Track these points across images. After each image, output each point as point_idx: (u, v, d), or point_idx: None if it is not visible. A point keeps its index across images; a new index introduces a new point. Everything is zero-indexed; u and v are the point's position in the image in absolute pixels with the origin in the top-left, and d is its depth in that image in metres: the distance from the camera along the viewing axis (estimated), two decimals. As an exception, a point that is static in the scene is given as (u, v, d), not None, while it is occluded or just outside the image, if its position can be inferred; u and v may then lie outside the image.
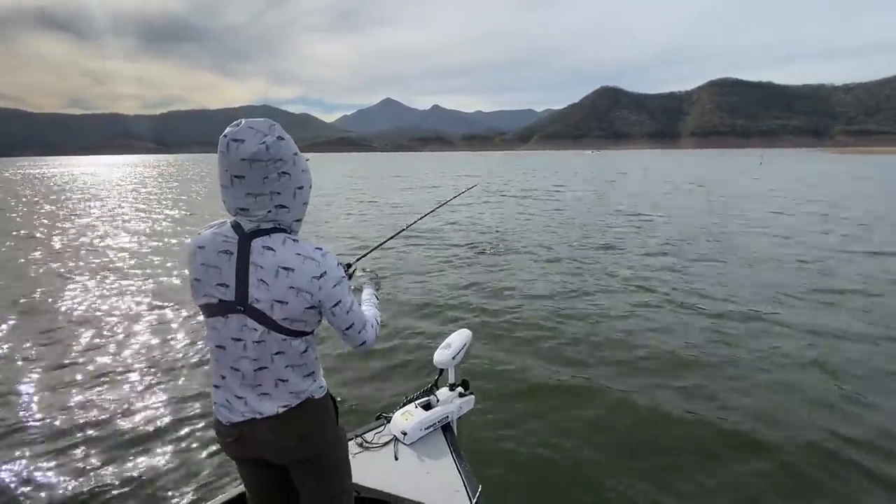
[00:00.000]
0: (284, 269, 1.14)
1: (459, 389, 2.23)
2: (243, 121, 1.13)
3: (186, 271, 1.22)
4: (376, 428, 2.17)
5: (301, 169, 1.19)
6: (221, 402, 1.25)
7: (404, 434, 2.02)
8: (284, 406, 1.24)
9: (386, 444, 2.05)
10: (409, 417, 2.08)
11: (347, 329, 1.29)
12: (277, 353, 1.20)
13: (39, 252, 9.70)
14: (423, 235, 10.89)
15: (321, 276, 1.16)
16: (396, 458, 1.93)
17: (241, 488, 1.71)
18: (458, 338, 2.21)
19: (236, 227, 1.18)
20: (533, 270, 7.72)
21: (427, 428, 2.05)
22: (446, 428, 2.12)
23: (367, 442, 2.06)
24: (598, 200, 18.82)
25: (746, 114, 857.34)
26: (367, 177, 40.54)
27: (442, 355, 2.14)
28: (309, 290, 1.16)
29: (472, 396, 2.26)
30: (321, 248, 1.19)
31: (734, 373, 4.12)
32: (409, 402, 2.22)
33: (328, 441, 1.34)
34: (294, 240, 1.18)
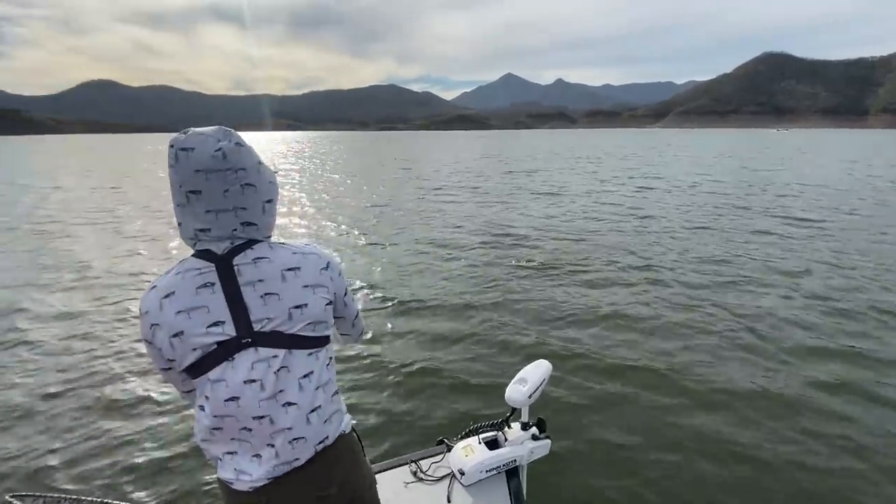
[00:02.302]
0: (289, 270, 1.03)
1: (534, 430, 1.88)
2: (191, 129, 0.98)
3: (144, 344, 1.02)
4: (434, 456, 1.94)
5: (268, 180, 1.05)
6: (241, 470, 1.03)
7: (462, 473, 1.77)
8: (321, 443, 1.08)
9: (441, 478, 1.82)
10: (470, 454, 1.81)
11: (356, 318, 1.25)
12: (305, 377, 1.04)
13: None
14: (490, 234, 8.99)
15: (327, 267, 1.09)
16: (449, 501, 1.72)
17: None
18: (536, 371, 1.83)
19: (204, 254, 1.00)
20: (641, 291, 5.88)
21: (490, 470, 1.78)
22: (512, 473, 1.83)
23: (421, 471, 1.85)
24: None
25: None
26: (463, 158, 36.37)
27: (515, 392, 1.76)
28: (323, 283, 1.07)
29: (549, 441, 1.89)
30: (307, 244, 1.11)
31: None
32: (474, 432, 1.94)
33: (366, 481, 1.21)
34: (280, 243, 1.07)
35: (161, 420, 3.29)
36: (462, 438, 1.94)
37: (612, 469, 2.80)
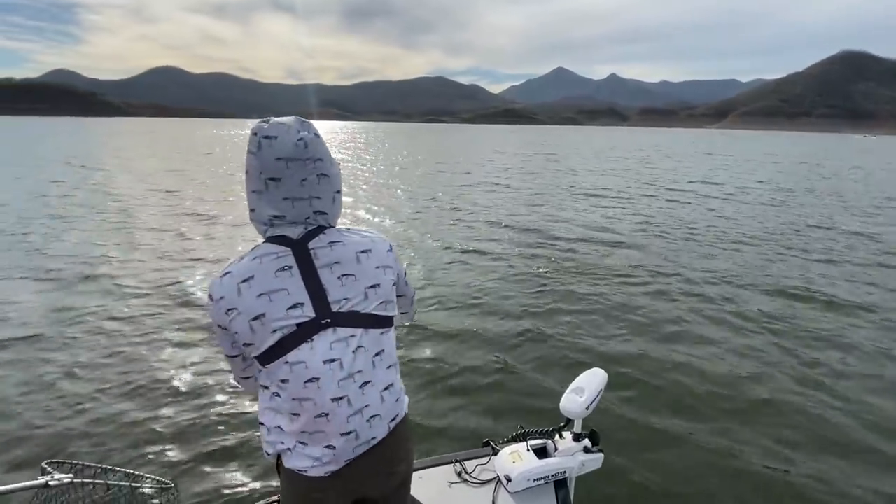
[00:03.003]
0: (363, 252, 1.07)
1: (586, 443, 1.82)
2: (272, 118, 1.01)
3: (217, 330, 1.04)
4: (480, 458, 1.91)
5: (337, 171, 1.09)
6: (316, 456, 1.04)
7: (508, 479, 1.74)
8: (393, 420, 1.11)
9: (486, 482, 1.80)
10: (517, 460, 1.78)
11: (413, 296, 1.31)
12: (377, 355, 1.07)
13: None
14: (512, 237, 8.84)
15: (391, 249, 1.15)
16: None
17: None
18: (593, 380, 1.77)
19: (279, 239, 1.03)
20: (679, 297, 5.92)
21: (537, 480, 1.74)
22: (560, 484, 1.79)
23: (466, 472, 1.83)
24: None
25: None
26: (503, 153, 35.47)
27: (572, 402, 1.71)
28: (390, 263, 1.12)
29: (601, 455, 1.83)
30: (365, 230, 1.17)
31: None
32: (522, 437, 1.90)
33: (413, 463, 1.24)
34: (346, 228, 1.11)
35: (190, 403, 3.38)
36: (509, 443, 1.92)
37: (668, 494, 2.66)
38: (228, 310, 0.99)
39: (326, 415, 1.02)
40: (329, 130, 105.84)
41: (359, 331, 1.04)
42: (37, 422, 3.14)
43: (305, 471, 1.05)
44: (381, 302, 1.08)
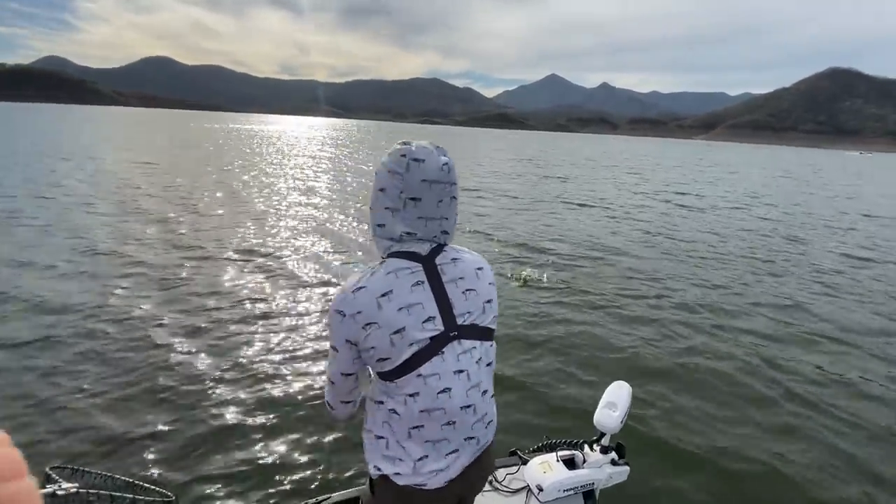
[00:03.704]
0: (479, 269, 1.14)
1: (613, 455, 1.87)
2: (413, 141, 1.06)
3: (345, 346, 1.05)
4: (509, 467, 1.94)
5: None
6: (434, 469, 1.07)
7: (539, 489, 1.79)
8: (495, 424, 1.18)
9: (517, 491, 1.84)
10: (547, 470, 1.82)
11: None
12: (488, 365, 1.14)
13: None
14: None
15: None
16: None
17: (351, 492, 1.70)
18: (623, 394, 1.83)
19: (409, 255, 1.07)
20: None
21: (567, 490, 1.79)
22: (588, 496, 1.85)
23: (496, 480, 1.87)
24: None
25: None
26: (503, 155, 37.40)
27: (606, 417, 1.77)
28: (493, 281, 1.18)
29: (628, 468, 1.89)
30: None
31: None
32: (549, 448, 1.97)
33: None
34: (455, 246, 1.16)
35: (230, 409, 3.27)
36: (537, 453, 1.96)
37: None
38: (367, 324, 1.00)
39: (454, 423, 1.06)
40: (323, 127, 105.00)
41: (478, 343, 1.09)
42: (36, 421, 3.06)
43: (424, 485, 1.07)
44: (494, 316, 1.14)
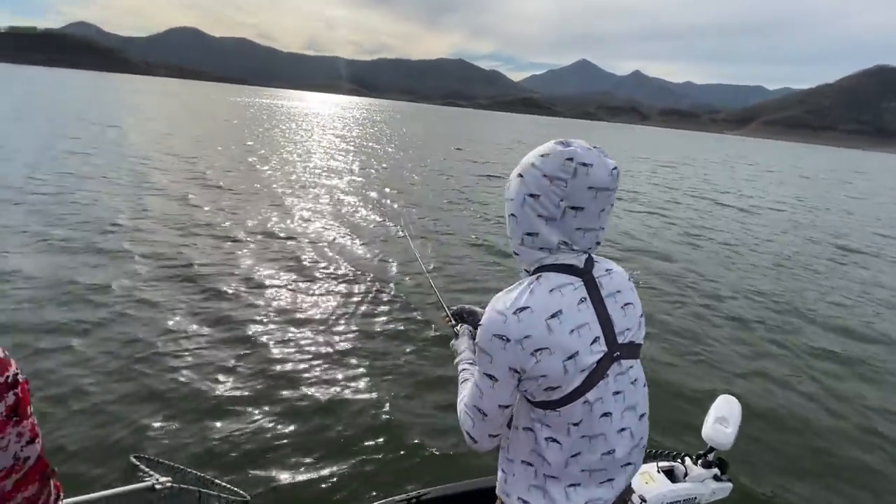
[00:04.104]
0: (630, 279, 1.05)
1: (716, 471, 1.80)
2: (572, 141, 0.95)
3: (507, 374, 0.92)
4: None
5: None
6: (593, 498, 0.99)
7: (643, 500, 1.73)
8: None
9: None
10: (649, 481, 1.77)
11: None
12: (644, 385, 1.04)
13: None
14: None
15: None
16: None
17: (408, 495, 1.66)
18: (734, 409, 1.77)
19: (565, 268, 0.96)
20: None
21: (669, 502, 1.74)
22: None
23: None
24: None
25: None
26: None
27: (720, 433, 1.71)
28: None
29: (731, 484, 1.83)
30: None
31: None
32: (650, 458, 1.89)
33: None
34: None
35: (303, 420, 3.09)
36: None
37: None
38: (537, 350, 0.89)
39: (613, 451, 0.98)
40: (349, 106, 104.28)
41: (634, 362, 1.00)
42: (106, 409, 2.97)
43: None
44: (644, 331, 1.04)
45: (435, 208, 9.84)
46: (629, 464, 1.01)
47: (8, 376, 0.54)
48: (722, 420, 1.74)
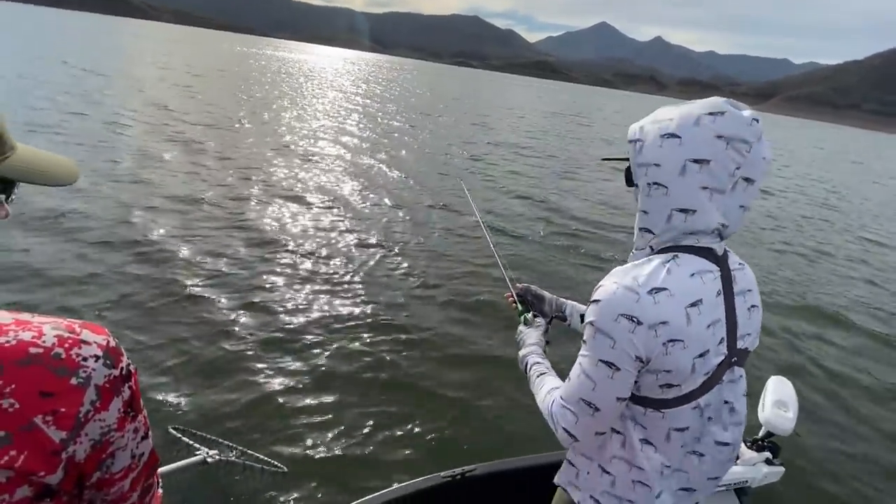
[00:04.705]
0: (754, 280, 0.92)
1: (768, 454, 1.79)
2: (746, 107, 0.79)
3: (629, 362, 0.79)
4: None
5: None
6: None
7: None
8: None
9: None
10: None
11: None
12: (744, 395, 0.91)
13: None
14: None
15: None
16: None
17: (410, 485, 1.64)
18: (791, 393, 1.72)
19: (703, 252, 0.82)
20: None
21: (721, 486, 1.73)
22: (741, 492, 1.80)
23: None
24: None
25: None
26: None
27: (779, 418, 1.65)
28: None
29: (782, 469, 1.82)
30: None
31: None
32: None
33: None
34: None
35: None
36: None
37: None
38: (670, 340, 0.77)
39: (709, 461, 0.88)
40: (363, 62, 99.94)
41: (742, 370, 0.88)
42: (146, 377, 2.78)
43: None
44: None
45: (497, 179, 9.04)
46: (716, 478, 0.92)
47: (122, 367, 0.51)
48: (780, 404, 1.68)
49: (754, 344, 0.88)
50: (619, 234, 6.90)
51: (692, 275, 0.78)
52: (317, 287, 4.02)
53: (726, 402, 0.85)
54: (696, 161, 0.76)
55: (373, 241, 5.19)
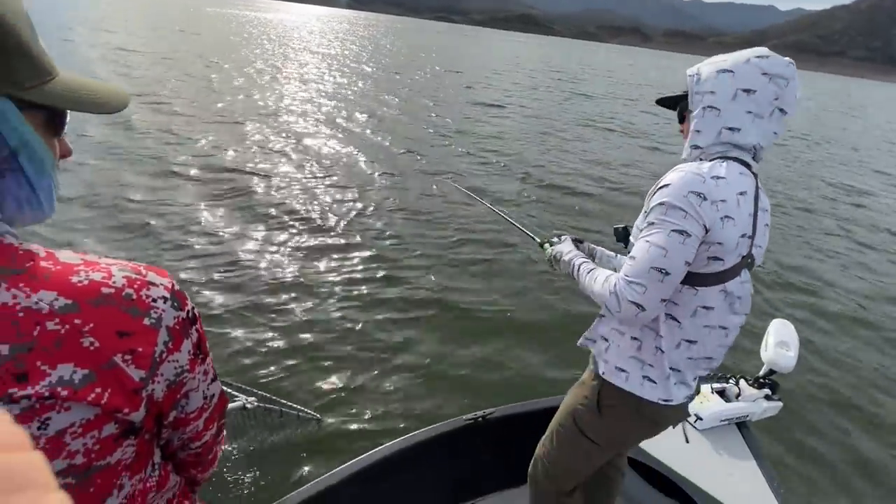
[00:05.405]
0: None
1: (767, 391, 1.94)
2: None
3: (708, 227, 0.93)
4: None
5: None
6: (686, 383, 1.08)
7: (698, 418, 1.87)
8: None
9: None
10: (704, 401, 1.90)
11: None
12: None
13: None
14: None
15: None
16: (687, 441, 1.84)
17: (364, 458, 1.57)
18: (792, 333, 1.85)
19: (744, 165, 1.00)
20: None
21: (723, 420, 1.89)
22: (742, 426, 1.94)
23: None
24: None
25: None
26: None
27: (782, 357, 1.80)
28: None
29: (781, 403, 1.97)
30: None
31: None
32: (704, 380, 1.95)
33: None
34: None
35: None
36: None
37: (837, 447, 2.77)
38: (727, 216, 0.93)
39: (720, 346, 1.06)
40: (342, 20, 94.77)
41: (749, 276, 1.05)
42: None
43: (670, 401, 1.04)
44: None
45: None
46: (714, 359, 1.08)
47: (188, 310, 0.52)
48: (783, 344, 1.79)
49: (760, 259, 1.04)
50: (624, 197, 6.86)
51: (742, 174, 0.98)
52: (328, 243, 4.24)
53: (740, 296, 1.02)
54: (745, 90, 0.96)
55: (390, 205, 5.28)
